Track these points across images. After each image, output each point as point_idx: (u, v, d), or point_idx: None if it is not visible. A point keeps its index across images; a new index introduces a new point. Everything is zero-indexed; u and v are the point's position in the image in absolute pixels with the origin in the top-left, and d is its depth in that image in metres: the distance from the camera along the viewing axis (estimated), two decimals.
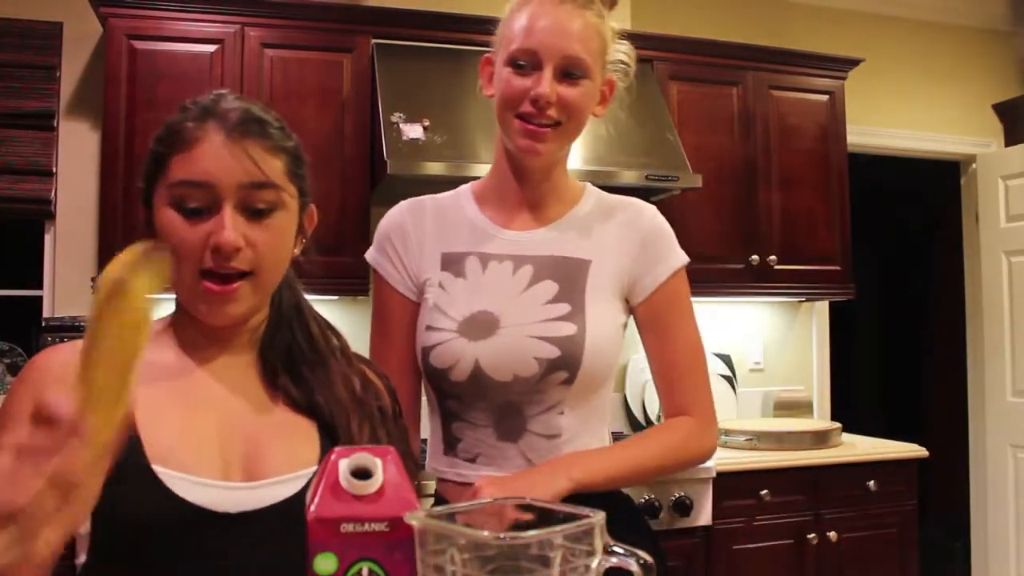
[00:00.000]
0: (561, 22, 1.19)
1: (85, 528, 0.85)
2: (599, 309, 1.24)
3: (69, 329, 2.48)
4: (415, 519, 0.66)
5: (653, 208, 1.34)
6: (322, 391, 0.98)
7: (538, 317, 1.22)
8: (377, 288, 1.34)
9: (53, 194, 2.73)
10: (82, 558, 0.86)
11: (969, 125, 3.97)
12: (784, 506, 2.72)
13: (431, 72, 2.71)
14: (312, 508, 0.68)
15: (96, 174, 2.73)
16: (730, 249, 3.05)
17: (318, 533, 0.67)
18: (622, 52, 1.29)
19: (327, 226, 2.67)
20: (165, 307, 1.02)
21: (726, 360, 3.31)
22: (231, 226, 0.88)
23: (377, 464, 0.70)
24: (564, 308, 1.23)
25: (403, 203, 1.34)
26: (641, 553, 0.67)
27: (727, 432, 2.93)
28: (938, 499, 4.29)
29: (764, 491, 2.68)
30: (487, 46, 1.30)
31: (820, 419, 3.44)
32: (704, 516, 2.57)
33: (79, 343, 0.93)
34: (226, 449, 0.90)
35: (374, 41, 2.75)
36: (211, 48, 2.60)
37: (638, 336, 1.32)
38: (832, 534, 2.76)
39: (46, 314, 2.73)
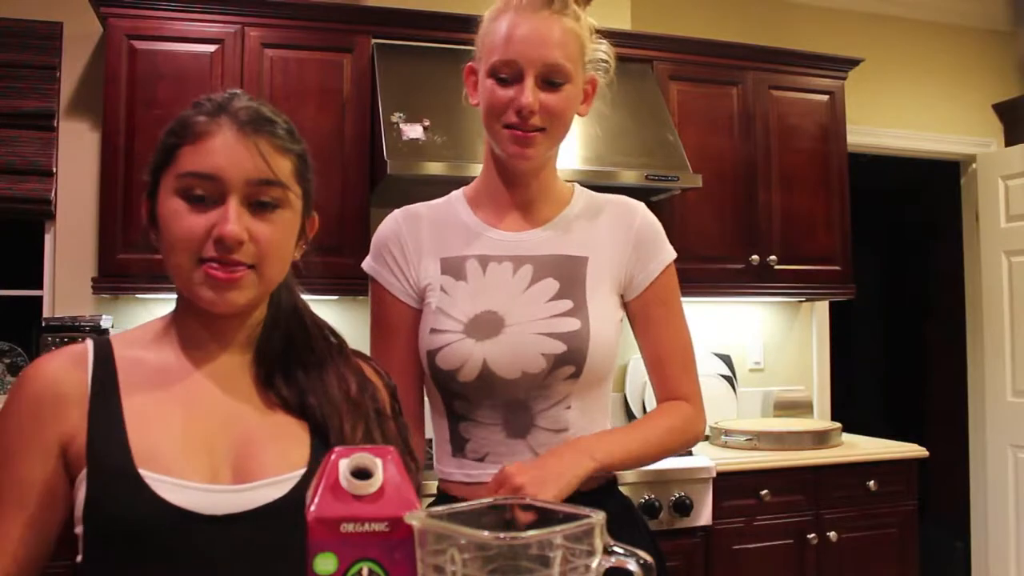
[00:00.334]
0: (539, 31, 1.21)
1: (79, 530, 0.86)
2: (599, 304, 1.27)
3: (69, 329, 2.48)
4: (415, 519, 0.66)
5: (643, 205, 1.37)
6: (315, 393, 0.98)
7: (542, 314, 1.24)
8: (376, 297, 1.34)
9: (53, 194, 2.73)
10: (79, 558, 0.87)
11: (969, 125, 3.98)
12: (784, 506, 2.72)
13: (431, 72, 2.71)
14: (312, 508, 0.68)
15: (96, 174, 2.73)
16: (730, 249, 3.05)
17: (318, 533, 0.67)
18: (601, 51, 1.31)
19: (327, 226, 2.65)
20: (166, 305, 1.02)
21: (726, 360, 3.31)
22: (235, 219, 0.89)
23: (377, 464, 0.70)
24: (567, 304, 1.25)
25: (396, 212, 1.35)
26: (641, 553, 0.67)
27: (727, 432, 2.93)
28: (938, 499, 4.29)
29: (764, 491, 2.68)
30: (484, 50, 1.30)
31: (820, 419, 3.44)
32: (704, 516, 2.57)
33: (69, 348, 0.94)
34: (215, 451, 0.91)
35: (374, 41, 2.75)
36: (211, 48, 2.60)
37: (631, 342, 1.36)
38: (832, 534, 2.76)
39: (46, 314, 2.73)
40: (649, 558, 0.67)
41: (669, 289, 1.34)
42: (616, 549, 0.67)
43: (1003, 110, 4.02)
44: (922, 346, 5.00)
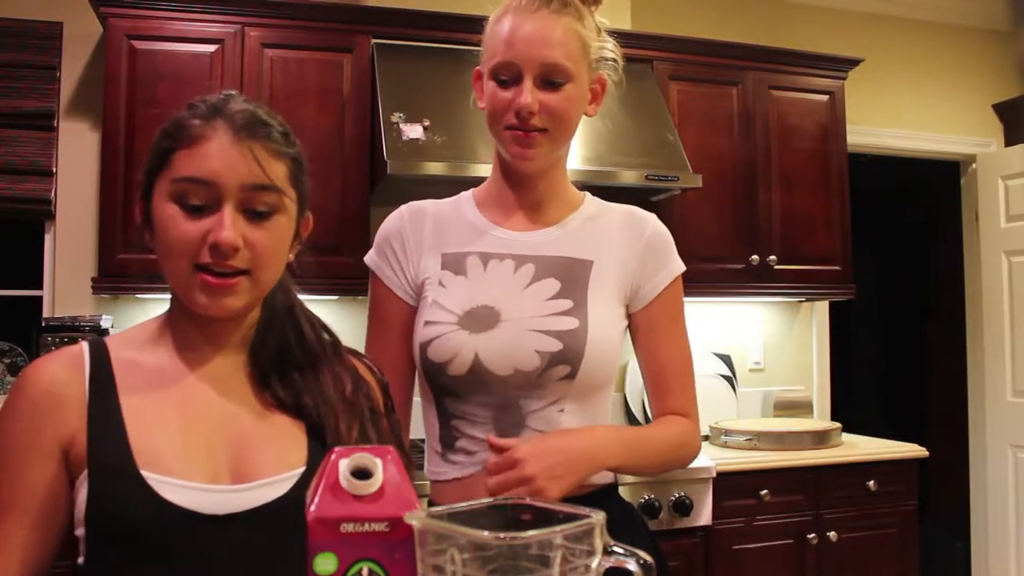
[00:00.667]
0: (538, 31, 1.20)
1: (80, 532, 0.86)
2: (601, 308, 1.25)
3: (69, 329, 2.48)
4: (415, 519, 0.66)
5: (654, 216, 1.35)
6: (310, 393, 0.98)
7: (540, 312, 1.23)
8: (374, 291, 1.34)
9: (53, 194, 2.73)
10: (80, 559, 0.87)
11: (969, 125, 3.98)
12: (784, 506, 2.72)
13: (431, 72, 2.71)
14: (312, 508, 0.68)
15: (96, 174, 2.73)
16: (730, 249, 3.05)
17: (318, 533, 0.67)
18: (608, 49, 1.29)
19: (327, 226, 2.68)
20: (166, 305, 1.02)
21: (726, 360, 3.31)
22: (230, 225, 0.89)
23: (377, 464, 0.70)
24: (566, 304, 1.23)
25: (403, 207, 1.34)
26: (641, 553, 0.67)
27: (727, 432, 2.93)
28: (938, 499, 4.29)
29: (764, 491, 2.68)
30: (488, 52, 1.29)
31: (820, 419, 3.44)
32: (704, 516, 2.57)
33: (65, 350, 0.94)
34: (214, 452, 0.91)
35: (374, 41, 2.75)
36: (211, 48, 2.60)
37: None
38: (832, 534, 2.76)
39: (46, 314, 2.73)
40: (649, 558, 0.67)
41: (675, 302, 1.32)
42: (616, 549, 0.67)
43: (1003, 110, 4.02)
44: (922, 346, 5.00)
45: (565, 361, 1.21)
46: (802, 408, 3.39)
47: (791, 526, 2.73)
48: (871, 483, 2.83)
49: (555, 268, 1.26)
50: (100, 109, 2.60)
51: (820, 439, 2.92)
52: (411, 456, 1.17)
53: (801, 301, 3.54)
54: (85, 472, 0.86)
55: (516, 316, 1.22)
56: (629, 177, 2.67)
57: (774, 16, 3.63)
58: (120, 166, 2.49)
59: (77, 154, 2.78)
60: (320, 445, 0.94)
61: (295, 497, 0.88)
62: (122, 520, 0.84)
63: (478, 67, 1.30)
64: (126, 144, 2.50)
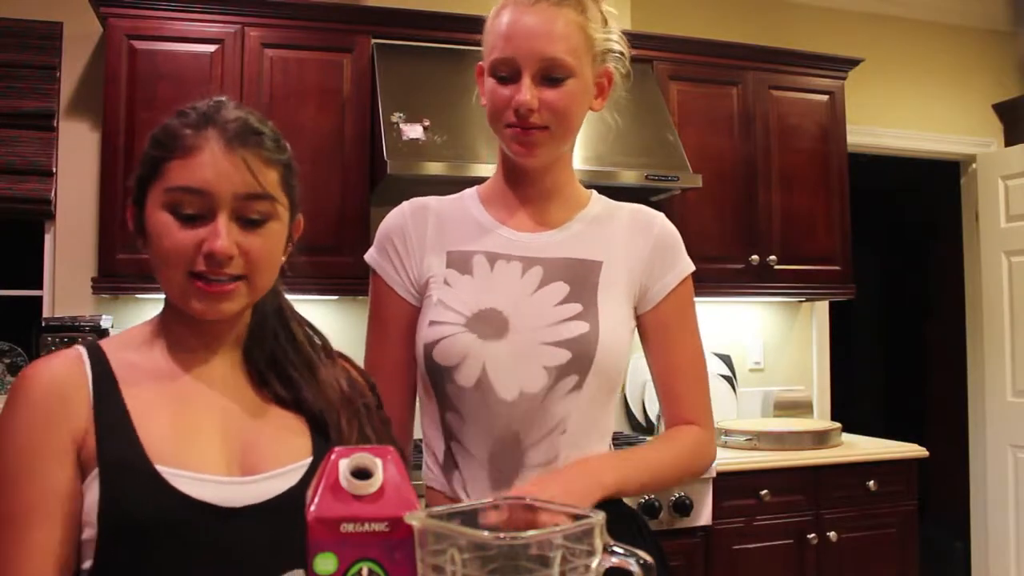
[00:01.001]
0: (536, 25, 1.16)
1: (87, 534, 0.85)
2: (611, 309, 1.21)
3: (69, 329, 2.48)
4: (415, 519, 0.66)
5: (662, 215, 1.32)
6: (310, 390, 1.00)
7: (549, 320, 1.18)
8: (375, 290, 1.30)
9: (53, 194, 2.73)
10: (85, 564, 0.86)
11: (969, 125, 3.98)
12: (784, 506, 2.72)
13: (431, 72, 2.71)
14: (312, 508, 0.68)
15: (96, 174, 2.73)
16: (730, 249, 3.05)
17: (318, 533, 0.67)
18: (614, 40, 1.24)
19: (327, 226, 2.68)
20: (155, 304, 1.02)
21: (726, 360, 3.31)
22: (225, 234, 0.90)
23: (377, 464, 0.70)
24: (575, 308, 1.19)
25: (405, 204, 1.30)
26: (641, 553, 0.67)
27: (727, 432, 2.93)
28: (938, 499, 4.29)
29: (764, 491, 2.68)
30: (487, 48, 1.27)
31: (820, 419, 3.44)
32: (704, 516, 2.57)
33: (62, 352, 0.94)
34: (224, 446, 0.92)
35: (374, 41, 2.75)
36: (211, 48, 2.60)
37: (638, 340, 1.31)
38: (832, 534, 2.76)
39: (46, 314, 2.73)
40: (649, 558, 0.67)
41: (685, 303, 1.28)
42: (616, 549, 0.67)
43: (1003, 110, 4.02)
44: (922, 346, 5.00)
45: (573, 371, 1.17)
46: (802, 408, 3.39)
47: (791, 526, 2.73)
48: (871, 483, 2.83)
49: (564, 270, 1.22)
50: (100, 109, 2.60)
51: (820, 439, 2.92)
52: (408, 457, 1.17)
53: (801, 301, 3.54)
54: (95, 471, 0.86)
55: (526, 326, 1.18)
56: (629, 177, 2.67)
57: (774, 16, 3.63)
58: (120, 166, 2.49)
59: (77, 154, 2.78)
60: (323, 439, 0.95)
61: (305, 488, 0.89)
62: (140, 517, 0.84)
63: (481, 62, 1.25)
64: (126, 144, 2.50)
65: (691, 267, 1.29)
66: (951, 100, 3.94)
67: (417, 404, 1.30)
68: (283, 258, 1.00)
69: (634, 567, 0.67)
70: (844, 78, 3.32)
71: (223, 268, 0.90)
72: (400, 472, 0.71)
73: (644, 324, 1.27)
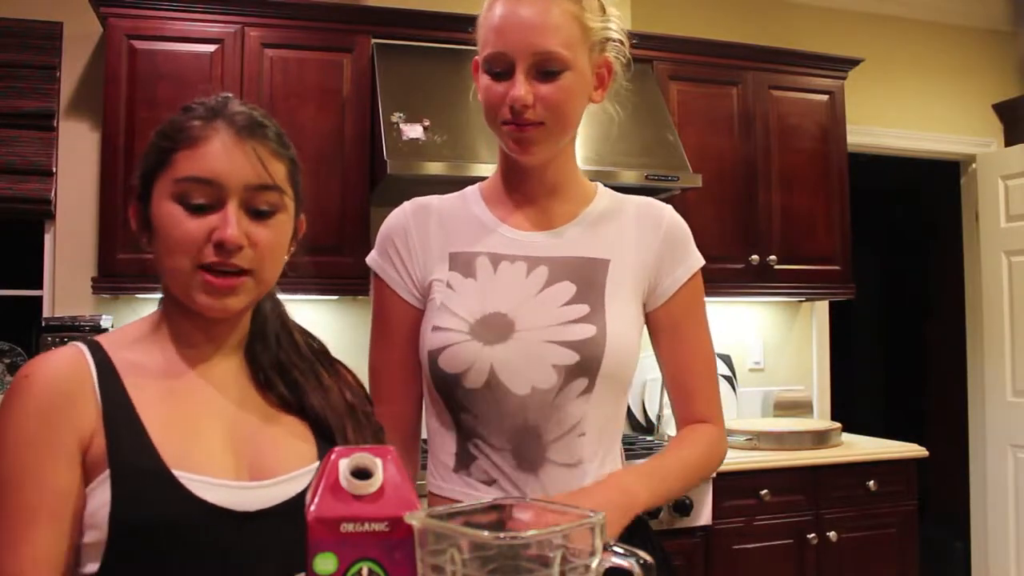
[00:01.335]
0: (528, 17, 1.11)
1: (91, 537, 0.84)
2: (619, 310, 1.18)
3: (69, 329, 2.48)
4: (415, 519, 0.66)
5: (671, 208, 1.28)
6: (315, 395, 0.99)
7: (555, 320, 1.15)
8: (377, 293, 1.26)
9: (53, 194, 2.73)
10: (88, 568, 0.84)
11: (969, 125, 3.98)
12: (784, 506, 2.72)
13: (431, 72, 2.71)
14: (312, 508, 0.68)
15: (96, 174, 2.73)
16: (730, 249, 3.05)
17: (318, 533, 0.67)
18: (612, 29, 1.19)
19: (327, 226, 2.68)
20: (155, 305, 1.02)
21: (726, 360, 3.31)
22: (235, 223, 0.89)
23: (377, 464, 0.70)
24: (583, 309, 1.16)
25: (406, 204, 1.27)
26: (641, 553, 0.67)
27: (727, 432, 2.92)
28: (938, 499, 4.29)
29: (764, 491, 2.68)
30: (479, 43, 1.24)
31: (820, 419, 3.44)
32: (704, 516, 2.57)
33: (62, 350, 0.93)
34: (233, 450, 0.92)
35: (374, 41, 2.75)
36: (211, 48, 2.60)
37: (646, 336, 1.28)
38: (832, 534, 2.76)
39: (46, 314, 2.73)
40: (649, 558, 0.67)
41: (695, 298, 1.25)
42: (616, 549, 0.67)
43: (1003, 110, 4.02)
44: (922, 346, 5.00)
45: (583, 374, 1.14)
46: (802, 408, 3.39)
47: (791, 526, 2.73)
48: (871, 483, 2.83)
49: (570, 270, 1.19)
50: (100, 109, 2.60)
51: (820, 439, 2.92)
52: (416, 463, 1.17)
53: (801, 301, 3.54)
54: (106, 473, 0.84)
55: (531, 326, 1.14)
56: (629, 177, 2.67)
57: (774, 16, 3.63)
58: (120, 166, 2.49)
59: (77, 154, 2.78)
60: (327, 444, 0.94)
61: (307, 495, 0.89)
62: (155, 521, 0.83)
63: (476, 57, 1.21)
64: (126, 144, 2.50)
65: (701, 261, 1.27)
66: (951, 100, 3.94)
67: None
68: (285, 257, 1.00)
69: (634, 567, 0.67)
70: (844, 78, 3.32)
71: (232, 258, 0.90)
72: (400, 472, 0.71)
73: (654, 320, 1.24)
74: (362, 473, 0.69)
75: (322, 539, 0.67)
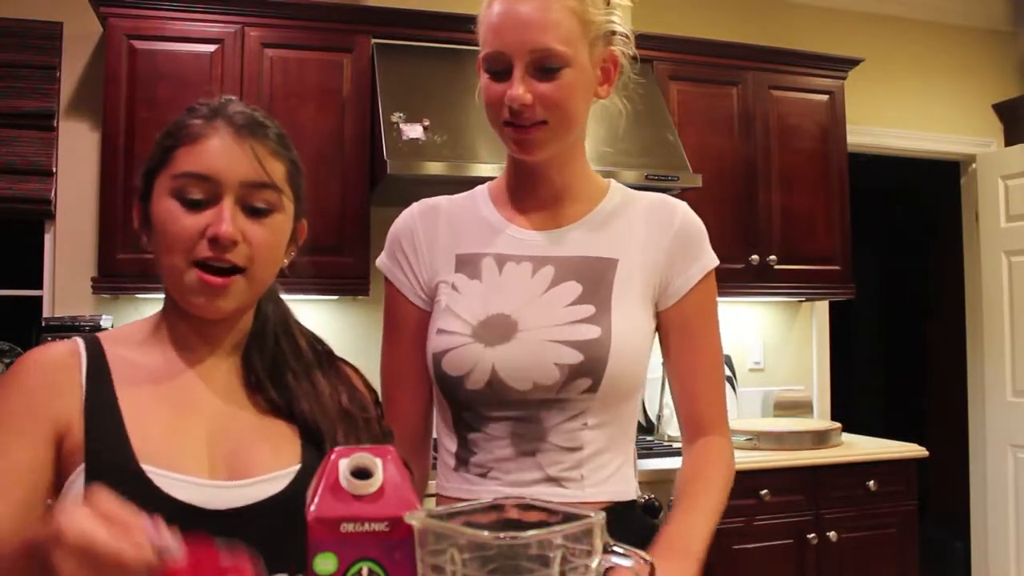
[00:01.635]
0: (525, 16, 1.08)
1: None
2: (626, 312, 1.15)
3: (69, 329, 2.48)
4: (415, 519, 0.66)
5: (685, 205, 1.25)
6: (307, 400, 0.99)
7: (559, 320, 1.13)
8: (387, 296, 1.25)
9: (53, 194, 2.73)
10: None
11: (969, 125, 3.97)
12: (784, 506, 2.72)
13: (431, 72, 2.71)
14: (312, 508, 0.68)
15: (96, 174, 2.73)
16: (730, 249, 3.05)
17: (318, 533, 0.67)
18: (616, 22, 1.17)
19: (327, 226, 2.68)
20: (155, 305, 1.02)
21: (726, 360, 3.31)
22: (230, 219, 0.90)
23: (377, 464, 0.70)
24: (588, 310, 1.13)
25: (414, 205, 1.26)
26: (641, 553, 0.67)
27: None
28: (938, 499, 4.29)
29: (764, 491, 2.68)
30: (480, 42, 1.24)
31: (820, 419, 3.44)
32: None
33: (61, 343, 0.94)
34: (212, 449, 0.92)
35: (374, 41, 2.75)
36: (211, 48, 2.60)
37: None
38: (832, 534, 2.76)
39: (46, 314, 2.73)
40: (649, 558, 0.67)
41: (707, 300, 1.21)
42: (616, 549, 0.67)
43: (1003, 110, 4.02)
44: (922, 346, 5.00)
45: (586, 374, 1.11)
46: (802, 408, 3.39)
47: (791, 526, 2.73)
48: (871, 483, 2.83)
49: (576, 269, 1.16)
50: (100, 109, 2.60)
51: (820, 439, 2.92)
52: (427, 470, 1.17)
53: (801, 301, 3.54)
54: (81, 467, 0.86)
55: (534, 326, 1.13)
56: (629, 177, 2.67)
57: (774, 16, 3.63)
58: (120, 166, 2.49)
59: (77, 154, 2.78)
60: (314, 448, 0.95)
61: (292, 494, 0.89)
62: None
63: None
64: (126, 144, 2.50)
65: (715, 261, 1.22)
66: (951, 100, 3.94)
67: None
68: (285, 261, 1.01)
69: (634, 567, 0.67)
70: (844, 78, 3.32)
71: (226, 254, 0.90)
72: (400, 472, 0.71)
73: (663, 321, 1.20)
74: (362, 473, 0.69)
75: (322, 539, 0.67)
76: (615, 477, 1.17)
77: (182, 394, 0.94)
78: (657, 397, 3.07)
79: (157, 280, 0.97)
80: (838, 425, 3.04)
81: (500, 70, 1.11)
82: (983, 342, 3.91)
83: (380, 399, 1.09)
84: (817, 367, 3.59)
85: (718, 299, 1.27)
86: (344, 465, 0.69)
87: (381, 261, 1.26)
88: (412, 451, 1.18)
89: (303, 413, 0.98)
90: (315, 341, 1.07)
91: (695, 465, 1.20)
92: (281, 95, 2.63)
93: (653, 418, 3.14)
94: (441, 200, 1.25)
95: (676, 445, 2.85)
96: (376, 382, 1.17)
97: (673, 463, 2.53)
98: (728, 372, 3.29)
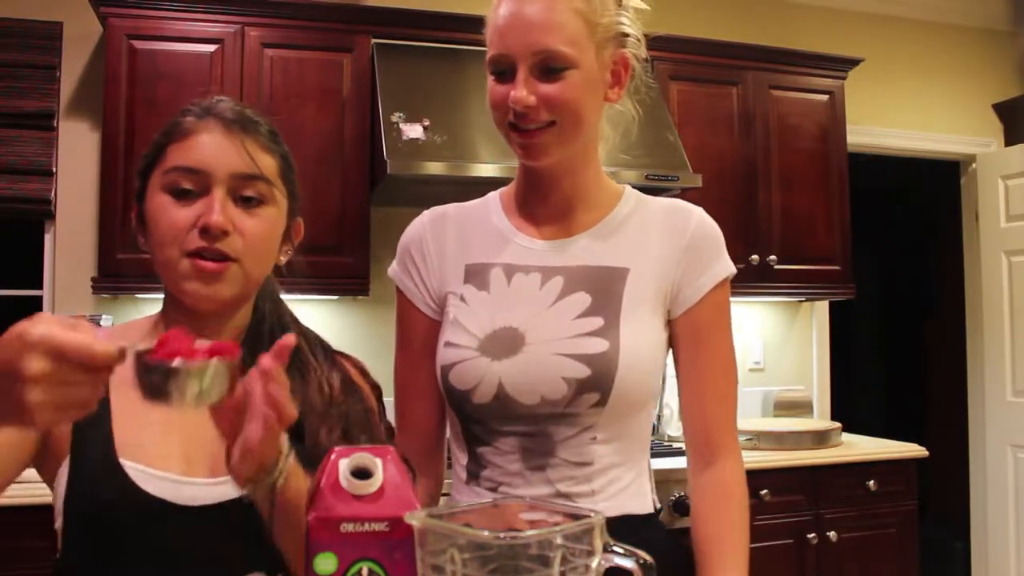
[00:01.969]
0: (529, 17, 1.06)
1: (60, 523, 0.88)
2: (636, 323, 1.12)
3: None
4: (415, 519, 0.66)
5: (701, 210, 1.21)
6: (293, 396, 0.99)
7: (566, 333, 1.10)
8: (398, 306, 1.24)
9: (53, 194, 2.73)
10: (58, 553, 0.88)
11: (969, 125, 3.98)
12: (784, 506, 2.72)
13: (431, 72, 2.71)
14: (312, 508, 0.68)
15: (96, 174, 2.73)
16: (730, 249, 3.02)
17: (318, 533, 0.67)
18: (624, 24, 1.15)
19: (327, 226, 2.68)
20: (155, 305, 1.03)
21: None
22: (220, 209, 0.92)
23: (377, 464, 0.70)
24: (596, 322, 1.11)
25: (425, 213, 1.24)
26: (641, 553, 0.67)
27: None
28: (938, 499, 4.29)
29: (764, 491, 2.68)
30: (487, 44, 1.24)
31: (820, 419, 3.44)
32: None
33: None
34: (191, 446, 0.92)
35: (374, 41, 2.75)
36: (211, 48, 2.60)
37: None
38: (832, 534, 2.76)
39: None
40: (649, 558, 0.67)
41: (721, 309, 1.17)
42: (616, 549, 0.67)
43: (1003, 110, 4.02)
44: (922, 346, 5.00)
45: (594, 388, 1.08)
46: (802, 408, 3.39)
47: (791, 526, 2.73)
48: (871, 483, 2.83)
49: (586, 280, 1.14)
50: (100, 109, 2.60)
51: (820, 439, 2.92)
52: (441, 478, 1.16)
53: (801, 301, 3.54)
54: (67, 461, 0.88)
55: (541, 339, 1.10)
56: (629, 177, 2.67)
57: (774, 16, 3.63)
58: (120, 166, 2.50)
59: (77, 154, 2.78)
60: (301, 445, 0.94)
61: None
62: (98, 507, 0.86)
63: None
64: (126, 144, 2.50)
65: (730, 270, 1.18)
66: (951, 100, 3.94)
67: None
68: (281, 259, 1.01)
69: (634, 567, 0.67)
70: (844, 78, 3.32)
71: (217, 243, 0.91)
72: (400, 472, 0.71)
73: (674, 330, 1.17)
74: (362, 473, 0.69)
75: (322, 539, 0.67)
76: (628, 491, 1.16)
77: None
78: (657, 397, 3.07)
79: (157, 280, 0.97)
80: (838, 425, 3.04)
81: (504, 72, 1.09)
82: (983, 342, 3.91)
83: (382, 395, 1.09)
84: (817, 367, 3.59)
85: None
86: (344, 465, 0.69)
87: (392, 270, 1.24)
88: (425, 460, 1.18)
89: None
90: (312, 336, 1.06)
91: (714, 512, 1.19)
92: (281, 95, 2.63)
93: (653, 418, 3.13)
94: (449, 208, 1.24)
95: (676, 445, 2.85)
96: (378, 381, 1.17)
97: (673, 463, 2.53)
98: None
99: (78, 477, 0.87)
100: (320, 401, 0.99)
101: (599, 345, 1.09)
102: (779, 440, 2.86)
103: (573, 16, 1.08)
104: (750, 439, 2.87)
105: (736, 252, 3.32)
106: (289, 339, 0.77)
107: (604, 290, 1.13)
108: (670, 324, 1.17)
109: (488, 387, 1.10)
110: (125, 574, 0.85)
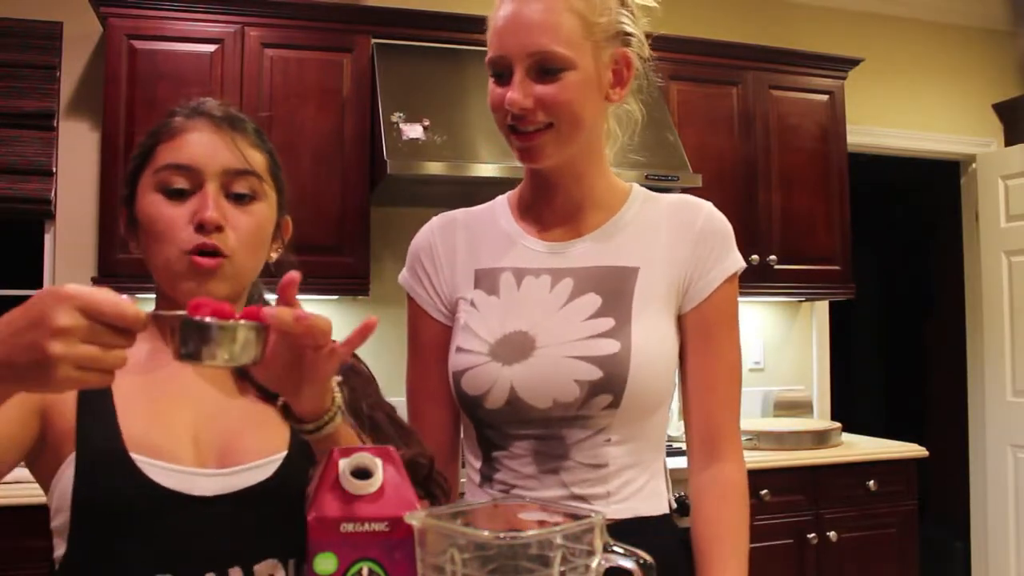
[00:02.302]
0: (525, 18, 1.06)
1: (59, 520, 0.87)
2: (648, 323, 1.11)
3: None
4: (415, 519, 0.66)
5: (710, 204, 1.20)
6: None
7: (577, 335, 1.10)
8: (409, 314, 1.23)
9: (53, 194, 2.73)
10: (58, 551, 0.87)
11: (969, 125, 3.98)
12: (784, 506, 2.72)
13: (431, 72, 2.71)
14: (312, 508, 0.68)
15: (96, 174, 2.73)
16: None
17: (318, 533, 0.67)
18: (625, 23, 1.13)
19: (327, 226, 2.68)
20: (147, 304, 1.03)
21: None
22: (214, 205, 0.92)
23: (377, 464, 0.70)
24: (607, 323, 1.10)
25: (434, 219, 1.23)
26: (641, 553, 0.67)
27: None
28: (938, 499, 4.29)
29: (764, 491, 2.68)
30: (487, 46, 1.25)
31: (820, 419, 3.44)
32: None
33: None
34: (200, 437, 0.93)
35: (374, 41, 2.75)
36: (211, 48, 2.60)
37: None
38: (832, 534, 2.76)
39: None
40: (649, 558, 0.67)
41: (729, 306, 1.18)
42: (616, 549, 0.67)
43: (1003, 110, 4.02)
44: (922, 346, 4.99)
45: (607, 390, 1.08)
46: (802, 408, 3.39)
47: (791, 526, 2.73)
48: (871, 483, 2.83)
49: (596, 280, 1.13)
50: (100, 109, 2.60)
51: (820, 439, 2.92)
52: (455, 483, 1.16)
53: (801, 301, 3.54)
54: (72, 456, 0.87)
55: (552, 342, 1.10)
56: (629, 177, 2.65)
57: (774, 16, 3.63)
58: (120, 166, 2.49)
59: (77, 154, 2.78)
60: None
61: (279, 479, 0.91)
62: (110, 502, 0.85)
63: None
64: (126, 144, 2.50)
65: (740, 264, 1.19)
66: (951, 100, 3.94)
67: None
68: (272, 256, 1.02)
69: (634, 567, 0.67)
70: (844, 78, 3.32)
71: (212, 237, 0.92)
72: (400, 472, 0.71)
73: (682, 325, 1.16)
74: (362, 473, 0.69)
75: (322, 539, 0.67)
76: (643, 492, 1.15)
77: (172, 383, 0.95)
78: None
79: (151, 271, 0.97)
80: (838, 425, 3.04)
81: (502, 74, 1.09)
82: (983, 342, 3.91)
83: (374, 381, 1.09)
84: (817, 367, 3.59)
85: None
86: (344, 465, 0.70)
87: (402, 277, 1.24)
88: (440, 467, 1.18)
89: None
90: None
91: (715, 513, 1.18)
92: (281, 95, 2.63)
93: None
94: (458, 213, 1.24)
95: (676, 445, 2.85)
96: (379, 382, 1.17)
97: (672, 463, 2.52)
98: None
99: (87, 471, 0.86)
100: None
101: (610, 346, 1.09)
102: (779, 440, 2.86)
103: (570, 16, 1.07)
104: (750, 439, 2.87)
105: None
106: (294, 274, 0.79)
107: (614, 290, 1.12)
108: (678, 319, 1.16)
109: (500, 392, 1.10)
110: (136, 568, 0.85)
